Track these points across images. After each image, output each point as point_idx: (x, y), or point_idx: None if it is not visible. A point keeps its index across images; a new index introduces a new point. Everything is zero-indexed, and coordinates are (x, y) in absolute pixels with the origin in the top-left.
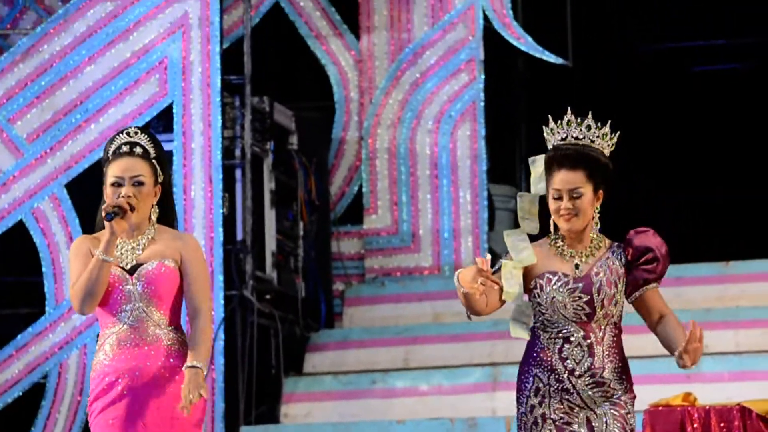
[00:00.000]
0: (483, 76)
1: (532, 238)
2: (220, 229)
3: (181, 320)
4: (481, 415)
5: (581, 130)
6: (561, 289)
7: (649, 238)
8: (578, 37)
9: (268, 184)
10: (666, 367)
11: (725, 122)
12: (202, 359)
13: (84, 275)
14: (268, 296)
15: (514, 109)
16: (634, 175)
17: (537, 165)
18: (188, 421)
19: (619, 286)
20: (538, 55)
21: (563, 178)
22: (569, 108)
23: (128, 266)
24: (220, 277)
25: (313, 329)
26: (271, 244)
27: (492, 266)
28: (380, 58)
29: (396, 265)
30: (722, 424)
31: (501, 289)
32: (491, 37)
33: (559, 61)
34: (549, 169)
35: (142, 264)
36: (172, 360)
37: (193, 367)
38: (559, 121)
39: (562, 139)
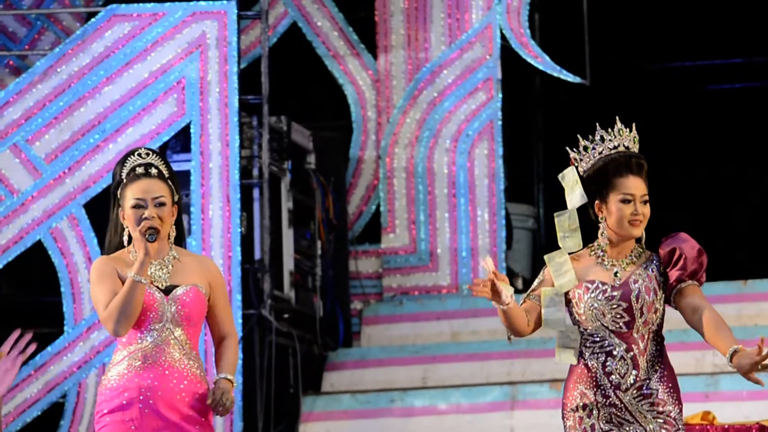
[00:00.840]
0: (500, 95)
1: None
2: (238, 249)
3: (198, 346)
4: None
5: (630, 140)
6: (599, 297)
7: (675, 240)
8: (595, 56)
9: (286, 204)
10: (685, 385)
11: (741, 141)
12: (232, 372)
13: (119, 297)
14: (286, 315)
15: (532, 128)
16: (650, 194)
17: (567, 178)
18: None
19: (659, 294)
20: (555, 74)
21: (635, 184)
22: (617, 119)
23: (162, 286)
24: (238, 297)
25: (331, 348)
26: (289, 263)
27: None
28: (397, 77)
29: (414, 283)
30: None
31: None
32: (508, 56)
33: (577, 79)
34: (615, 174)
35: (176, 286)
36: (192, 384)
37: (227, 379)
38: (609, 129)
39: (615, 147)
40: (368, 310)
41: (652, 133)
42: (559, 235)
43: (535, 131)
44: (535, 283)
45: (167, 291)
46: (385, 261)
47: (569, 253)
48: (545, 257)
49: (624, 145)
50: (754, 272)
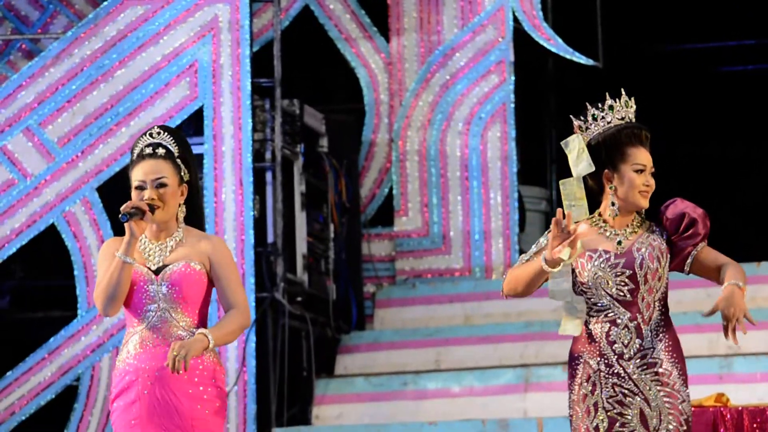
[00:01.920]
0: (513, 78)
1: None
2: (251, 232)
3: (206, 322)
4: (513, 416)
5: (633, 112)
6: (603, 266)
7: (678, 206)
8: (608, 38)
9: (299, 187)
10: (698, 367)
11: (753, 122)
12: (216, 335)
13: (105, 277)
14: (299, 298)
15: (544, 111)
16: (662, 176)
17: (571, 145)
18: (209, 419)
19: (662, 261)
20: (568, 57)
21: (645, 155)
22: (623, 91)
23: (155, 267)
24: (251, 280)
25: (344, 331)
26: (301, 246)
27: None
28: (410, 60)
29: (427, 266)
30: (755, 425)
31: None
32: (521, 38)
33: (589, 62)
34: (628, 144)
35: (168, 265)
36: (192, 361)
37: (200, 333)
38: (617, 100)
39: (621, 119)
40: (381, 293)
41: (665, 114)
42: (565, 203)
43: (547, 114)
44: (533, 248)
45: (158, 271)
46: (398, 244)
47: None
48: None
49: (629, 118)
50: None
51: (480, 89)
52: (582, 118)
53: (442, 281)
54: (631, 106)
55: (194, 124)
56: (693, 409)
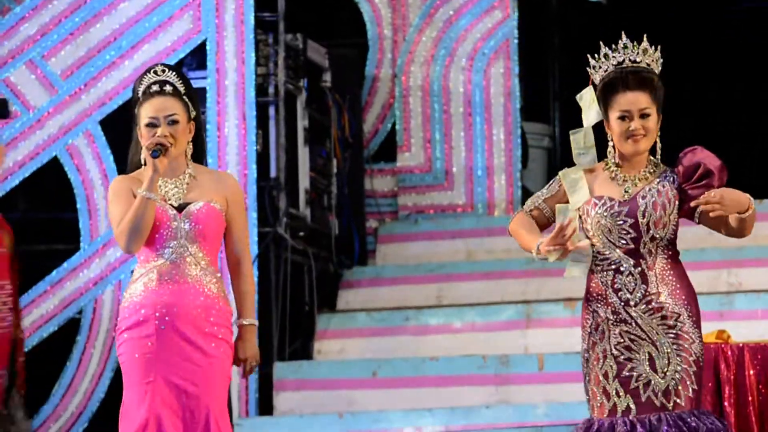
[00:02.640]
0: (517, 14)
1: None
2: (254, 167)
3: (218, 262)
4: (514, 352)
5: (638, 53)
6: (605, 213)
7: (697, 155)
8: None
9: (302, 122)
10: (699, 305)
11: (760, 61)
12: (253, 312)
13: (129, 214)
14: (301, 233)
15: (548, 47)
16: (670, 115)
17: (584, 97)
18: (223, 357)
19: (668, 209)
20: None
21: (630, 99)
22: (623, 33)
23: (176, 204)
24: (254, 214)
25: (347, 266)
26: (304, 181)
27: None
28: None
29: (429, 202)
30: (756, 361)
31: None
32: None
33: None
34: (613, 91)
35: (189, 203)
36: (208, 300)
37: (249, 324)
38: (614, 45)
39: (619, 63)
40: (383, 228)
41: (671, 53)
42: (574, 152)
43: (551, 50)
44: (545, 191)
45: (181, 208)
46: (401, 180)
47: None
48: (560, 173)
49: (630, 60)
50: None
51: (483, 25)
52: (596, 56)
53: (445, 217)
54: (649, 53)
55: (197, 57)
56: None
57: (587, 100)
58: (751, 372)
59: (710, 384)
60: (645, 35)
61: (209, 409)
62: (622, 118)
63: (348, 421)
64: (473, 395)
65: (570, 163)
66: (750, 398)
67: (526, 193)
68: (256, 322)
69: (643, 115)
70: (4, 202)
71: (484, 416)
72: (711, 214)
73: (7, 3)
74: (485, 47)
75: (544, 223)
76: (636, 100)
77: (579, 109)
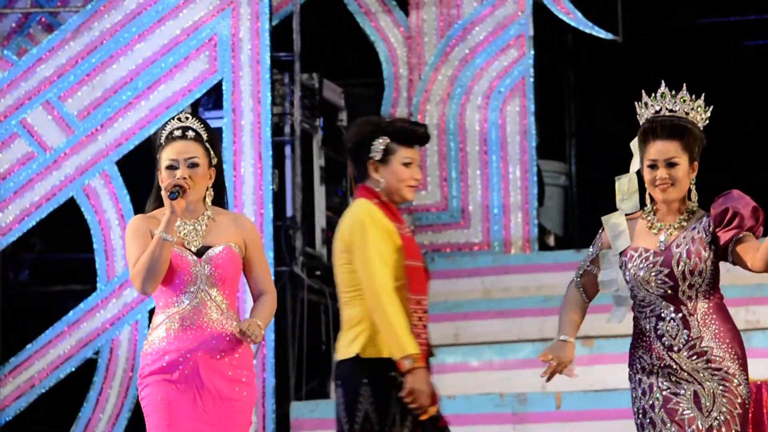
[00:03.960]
0: (532, 52)
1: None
2: (270, 206)
3: (236, 305)
4: (531, 390)
5: (675, 102)
6: (641, 265)
7: (728, 199)
8: (628, 12)
9: (318, 161)
10: None
11: None
12: (263, 321)
13: (146, 255)
14: (318, 272)
15: (564, 85)
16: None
17: (633, 145)
18: (245, 401)
19: (704, 254)
20: (587, 31)
21: (659, 148)
22: (663, 82)
23: (194, 248)
24: (270, 254)
25: None
26: (320, 220)
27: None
28: (429, 34)
29: (446, 240)
30: None
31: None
32: (540, 12)
33: (609, 36)
34: (644, 141)
35: (209, 247)
36: (231, 344)
37: (257, 325)
38: (653, 95)
39: (656, 112)
40: None
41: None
42: (617, 197)
43: (567, 88)
44: (591, 251)
45: (200, 252)
46: (417, 218)
47: (626, 215)
48: (602, 219)
49: (667, 108)
50: None
51: (499, 63)
52: (639, 102)
53: (461, 255)
54: (685, 100)
55: (213, 98)
56: None
57: (634, 147)
58: None
59: None
60: (684, 84)
61: None
62: (651, 167)
63: None
64: None
65: (586, 200)
66: None
67: (543, 231)
68: (262, 324)
69: (671, 164)
70: (21, 243)
71: None
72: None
73: (24, 44)
74: (501, 85)
75: (596, 285)
76: (664, 149)
77: (595, 147)
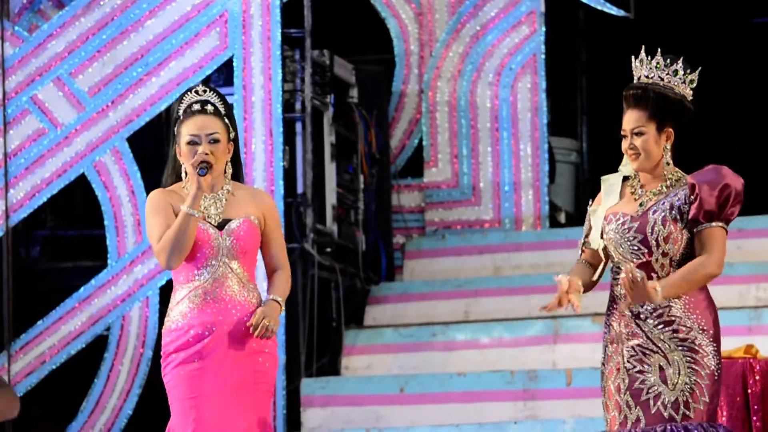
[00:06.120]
0: (544, 29)
1: None
2: (281, 182)
3: (255, 277)
4: (542, 367)
5: (650, 68)
6: (617, 230)
7: (702, 174)
8: None
9: (329, 138)
10: (728, 319)
11: None
12: (282, 296)
13: (172, 230)
14: (328, 249)
15: (575, 62)
16: (695, 126)
17: None
18: (268, 371)
19: (680, 224)
20: (599, 7)
21: (628, 117)
22: (643, 47)
23: (215, 221)
24: (281, 231)
25: (374, 282)
26: (331, 197)
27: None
28: (440, 11)
29: (456, 218)
30: None
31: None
32: None
33: (621, 12)
34: (622, 110)
35: (229, 220)
36: (252, 316)
37: (274, 300)
38: (648, 57)
39: (638, 79)
40: (411, 244)
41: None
42: (622, 162)
43: (578, 65)
44: (585, 226)
45: (221, 225)
46: (428, 195)
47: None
48: (602, 178)
49: (644, 76)
50: None
51: (510, 40)
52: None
53: (472, 232)
54: (659, 66)
55: (224, 74)
56: (723, 360)
57: None
58: None
59: (739, 399)
60: (659, 48)
61: (254, 423)
62: (623, 136)
63: None
64: (501, 411)
65: (598, 177)
66: None
67: (554, 209)
68: (281, 302)
69: (637, 134)
70: (32, 220)
71: None
72: (619, 285)
73: (35, 21)
74: (512, 62)
75: (598, 258)
76: (631, 118)
77: (606, 124)
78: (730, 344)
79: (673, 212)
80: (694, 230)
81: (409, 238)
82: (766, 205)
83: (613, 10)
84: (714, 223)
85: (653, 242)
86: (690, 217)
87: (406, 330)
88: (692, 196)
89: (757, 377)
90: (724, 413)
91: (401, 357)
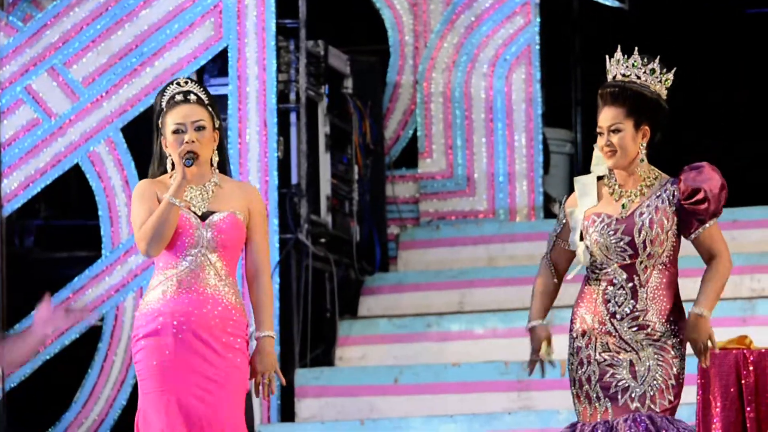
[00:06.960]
0: (538, 20)
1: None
2: (275, 173)
3: (236, 273)
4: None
5: (627, 67)
6: (603, 231)
7: (701, 176)
8: None
9: (323, 128)
10: (721, 310)
11: None
12: (271, 324)
13: (153, 218)
14: (323, 240)
15: (570, 53)
16: (688, 118)
17: None
18: (240, 367)
19: (666, 225)
20: None
21: (604, 115)
22: (619, 47)
23: (199, 212)
24: (275, 221)
25: (368, 273)
26: (325, 187)
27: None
28: (435, 1)
29: (451, 208)
30: None
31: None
32: None
33: (615, 3)
34: (598, 108)
35: (213, 212)
36: (226, 311)
37: (267, 336)
38: (625, 56)
39: (614, 77)
40: (405, 234)
41: (690, 57)
42: (593, 162)
43: (573, 56)
44: (557, 226)
45: (204, 217)
46: (422, 186)
47: (598, 178)
48: (574, 179)
49: (621, 74)
50: None
51: (505, 31)
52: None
53: (466, 223)
54: (636, 64)
55: (219, 64)
56: (715, 351)
57: None
58: None
59: (732, 390)
60: (636, 48)
61: (225, 419)
62: (599, 134)
63: (369, 427)
64: (495, 401)
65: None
66: None
67: (548, 199)
68: (274, 335)
69: (613, 131)
70: (26, 210)
71: (506, 422)
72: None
73: (29, 10)
74: (507, 53)
75: (567, 258)
76: (607, 116)
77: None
78: (724, 335)
79: (660, 215)
80: (694, 232)
81: (404, 228)
82: (760, 197)
83: (608, 1)
84: (709, 223)
85: (640, 244)
86: (696, 219)
87: (400, 321)
88: (696, 199)
89: (751, 368)
90: (718, 404)
91: (395, 348)
